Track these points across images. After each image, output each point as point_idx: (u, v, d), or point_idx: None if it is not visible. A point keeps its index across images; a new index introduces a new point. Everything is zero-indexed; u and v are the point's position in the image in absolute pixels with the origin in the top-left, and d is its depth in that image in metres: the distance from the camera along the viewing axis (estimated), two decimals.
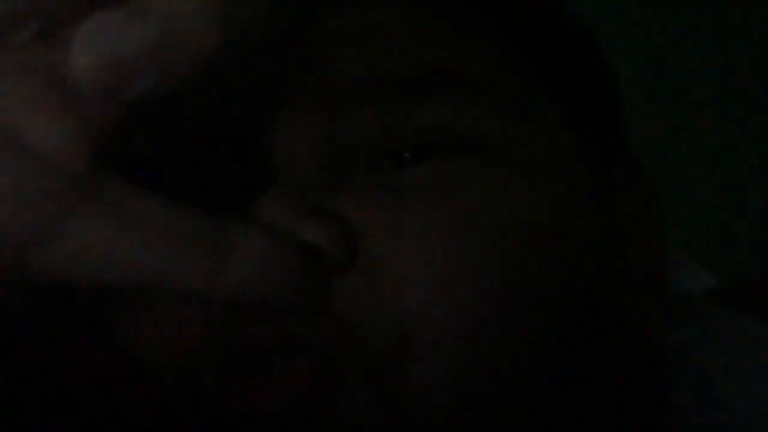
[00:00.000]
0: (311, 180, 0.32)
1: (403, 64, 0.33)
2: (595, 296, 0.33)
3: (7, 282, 0.24)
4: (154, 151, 0.32)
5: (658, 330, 0.36)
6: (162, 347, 0.31)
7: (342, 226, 0.30)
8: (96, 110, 0.24)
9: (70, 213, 0.23)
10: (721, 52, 1.00)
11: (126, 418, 0.31)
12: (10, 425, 0.30)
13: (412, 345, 0.30)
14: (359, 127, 0.32)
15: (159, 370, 0.31)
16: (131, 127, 0.25)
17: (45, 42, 0.27)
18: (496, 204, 0.32)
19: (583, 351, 0.32)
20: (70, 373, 0.32)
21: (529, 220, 0.32)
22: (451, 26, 0.34)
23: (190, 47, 0.22)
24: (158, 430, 0.31)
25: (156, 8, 0.22)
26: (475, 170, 0.32)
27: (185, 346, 0.31)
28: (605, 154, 0.36)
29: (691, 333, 0.42)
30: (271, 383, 0.30)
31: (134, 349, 0.32)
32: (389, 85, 0.32)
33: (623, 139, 0.39)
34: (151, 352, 0.32)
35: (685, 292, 0.48)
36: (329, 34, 0.33)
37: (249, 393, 0.30)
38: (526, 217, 0.32)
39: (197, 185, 0.31)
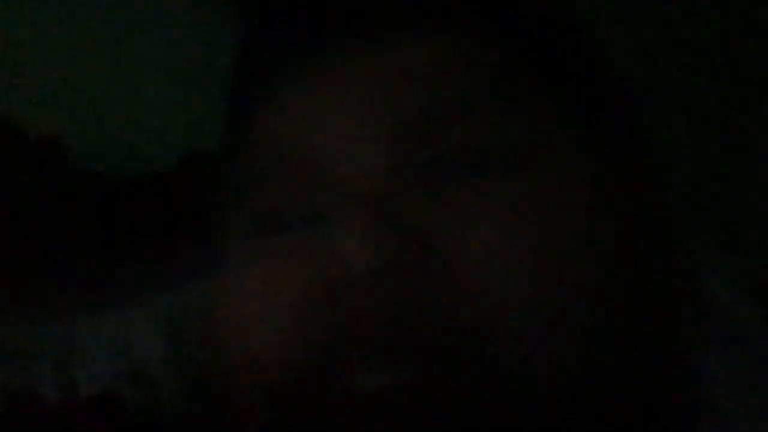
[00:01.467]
0: (379, 202, 0.36)
1: (443, 88, 0.37)
2: (634, 276, 0.37)
3: None
4: None
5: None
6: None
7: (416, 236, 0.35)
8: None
9: None
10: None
11: None
12: None
13: (499, 321, 0.34)
14: (412, 150, 0.37)
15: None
16: None
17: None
18: (547, 204, 0.36)
19: (636, 325, 0.37)
20: None
21: (574, 216, 0.36)
22: (487, 51, 0.38)
23: None
24: None
25: None
26: (519, 175, 0.36)
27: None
28: (618, 155, 0.40)
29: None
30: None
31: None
32: (435, 108, 0.37)
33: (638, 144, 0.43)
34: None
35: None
36: (377, 63, 0.38)
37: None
38: (572, 213, 0.36)
39: None
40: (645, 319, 0.37)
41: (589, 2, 0.44)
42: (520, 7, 0.41)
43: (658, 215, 0.40)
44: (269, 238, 0.38)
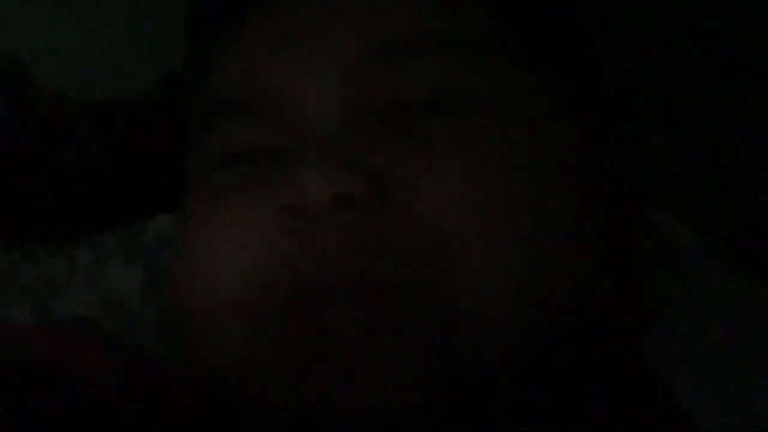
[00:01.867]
0: (336, 139, 0.36)
1: (409, 27, 0.37)
2: (591, 222, 0.38)
3: None
4: None
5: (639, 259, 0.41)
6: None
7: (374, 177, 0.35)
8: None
9: None
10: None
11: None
12: None
13: (459, 257, 0.34)
14: (372, 87, 0.37)
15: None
16: None
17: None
18: (506, 142, 0.36)
19: (588, 264, 0.37)
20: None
21: (532, 155, 0.37)
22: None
23: None
24: None
25: None
26: (481, 119, 0.36)
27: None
28: (586, 106, 0.41)
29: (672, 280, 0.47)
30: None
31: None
32: (398, 47, 0.37)
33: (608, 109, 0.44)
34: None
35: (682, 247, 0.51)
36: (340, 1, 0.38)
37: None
38: (529, 151, 0.37)
39: None
40: (599, 270, 0.38)
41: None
42: None
43: (616, 170, 0.41)
44: (229, 171, 0.38)
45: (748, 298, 0.44)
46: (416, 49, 0.37)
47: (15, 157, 0.62)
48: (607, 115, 0.42)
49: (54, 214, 0.60)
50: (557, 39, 0.41)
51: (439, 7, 0.38)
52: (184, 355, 0.38)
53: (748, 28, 0.90)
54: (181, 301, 0.38)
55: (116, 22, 0.82)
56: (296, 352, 0.34)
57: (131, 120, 0.66)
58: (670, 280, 0.45)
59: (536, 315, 0.35)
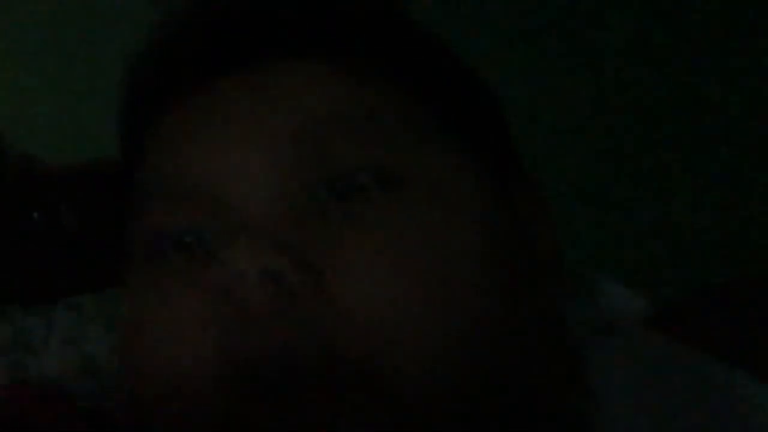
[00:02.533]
0: (262, 221, 0.37)
1: (327, 111, 0.38)
2: (513, 277, 0.40)
3: None
4: None
5: (554, 306, 0.43)
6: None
7: (303, 262, 0.36)
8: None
9: None
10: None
11: None
12: None
13: (389, 336, 0.35)
14: (294, 169, 0.38)
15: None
16: None
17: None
18: (428, 225, 0.38)
19: (510, 316, 0.38)
20: None
21: (454, 233, 0.38)
22: (369, 76, 0.40)
23: None
24: None
25: None
26: (408, 200, 0.38)
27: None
28: (501, 170, 0.42)
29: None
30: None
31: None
32: (319, 130, 0.38)
33: (516, 157, 0.45)
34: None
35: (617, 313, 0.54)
36: (257, 86, 0.39)
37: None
38: (451, 231, 0.38)
39: None
40: (524, 344, 0.39)
41: None
42: (405, 46, 0.42)
43: (541, 248, 0.43)
44: (162, 257, 0.39)
45: (679, 365, 0.46)
46: (334, 132, 0.38)
47: None
48: (530, 189, 0.44)
49: (27, 277, 0.62)
50: (469, 120, 0.42)
51: (354, 90, 0.39)
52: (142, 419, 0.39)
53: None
54: (129, 378, 0.39)
55: (88, 84, 0.84)
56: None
57: (101, 182, 0.68)
58: (599, 347, 0.47)
59: (469, 379, 0.36)
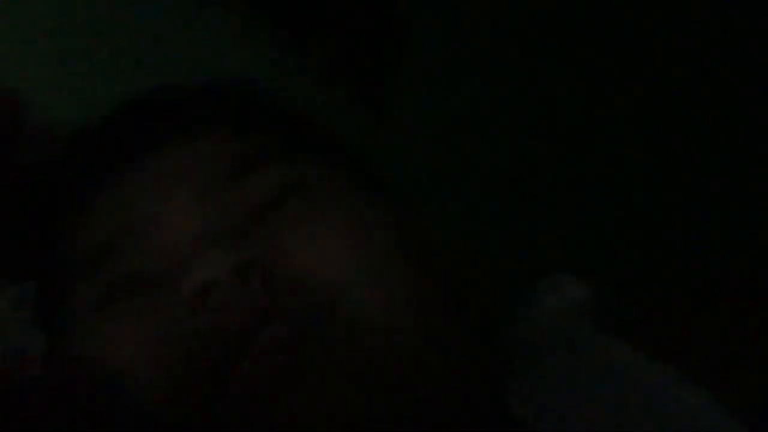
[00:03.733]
0: (209, 242, 0.45)
1: (242, 152, 0.50)
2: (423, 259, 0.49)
3: None
4: None
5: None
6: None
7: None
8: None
9: None
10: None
11: None
12: None
13: (340, 295, 0.44)
14: (224, 203, 0.47)
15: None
16: None
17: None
18: (339, 209, 0.48)
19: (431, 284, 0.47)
20: None
21: (368, 215, 0.49)
22: (260, 135, 0.52)
23: None
24: None
25: None
26: (316, 198, 0.48)
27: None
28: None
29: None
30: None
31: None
32: (240, 164, 0.49)
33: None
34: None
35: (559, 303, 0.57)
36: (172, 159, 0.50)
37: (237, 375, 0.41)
38: (366, 213, 0.49)
39: None
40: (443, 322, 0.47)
41: None
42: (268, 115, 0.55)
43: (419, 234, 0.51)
44: (116, 301, 0.46)
45: (621, 362, 0.50)
46: (248, 164, 0.49)
47: None
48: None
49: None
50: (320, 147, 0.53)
51: (250, 139, 0.51)
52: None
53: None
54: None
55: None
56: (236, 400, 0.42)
57: None
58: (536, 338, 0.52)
59: (411, 322, 0.44)
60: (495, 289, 0.53)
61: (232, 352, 0.42)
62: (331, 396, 0.41)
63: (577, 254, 0.96)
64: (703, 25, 1.03)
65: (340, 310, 0.43)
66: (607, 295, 0.57)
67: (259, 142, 0.51)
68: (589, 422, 0.48)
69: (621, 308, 0.59)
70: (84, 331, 0.47)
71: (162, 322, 0.44)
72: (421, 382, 0.44)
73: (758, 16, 1.02)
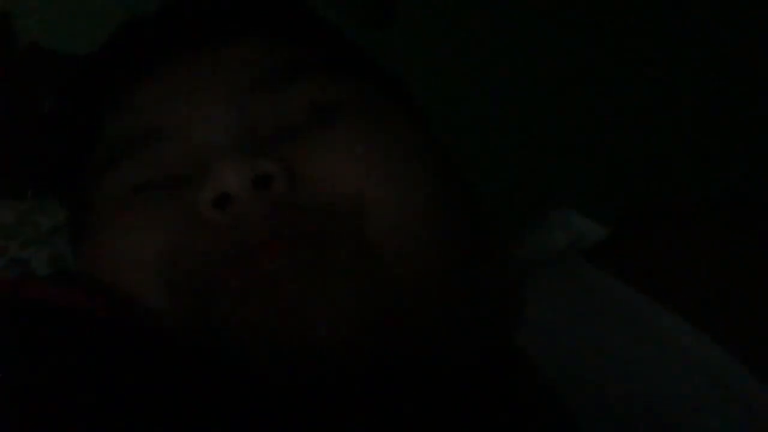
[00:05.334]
0: (239, 147, 0.45)
1: (280, 63, 0.49)
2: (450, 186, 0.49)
3: None
4: None
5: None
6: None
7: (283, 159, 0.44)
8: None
9: None
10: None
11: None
12: None
13: (367, 209, 0.44)
14: (257, 111, 0.47)
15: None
16: None
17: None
18: (373, 128, 0.47)
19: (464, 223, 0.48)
20: None
21: (392, 136, 0.48)
22: (299, 42, 0.51)
23: None
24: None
25: None
26: (351, 117, 0.47)
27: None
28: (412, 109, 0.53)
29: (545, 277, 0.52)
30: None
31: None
32: (273, 76, 0.48)
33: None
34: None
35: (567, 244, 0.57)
36: (211, 58, 0.49)
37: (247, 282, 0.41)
38: (389, 133, 0.48)
39: None
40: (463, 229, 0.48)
41: None
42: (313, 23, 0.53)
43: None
44: (141, 193, 0.46)
45: (620, 302, 0.49)
46: (277, 78, 0.48)
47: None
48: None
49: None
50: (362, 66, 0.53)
51: (297, 52, 0.50)
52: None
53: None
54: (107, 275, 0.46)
55: None
56: (242, 298, 0.42)
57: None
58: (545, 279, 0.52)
59: (433, 247, 0.45)
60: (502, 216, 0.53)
61: (245, 255, 0.42)
62: (350, 300, 0.41)
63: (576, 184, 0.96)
64: None
65: (359, 224, 0.43)
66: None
67: (297, 54, 0.50)
68: (578, 338, 0.48)
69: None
70: (104, 219, 0.47)
71: (178, 220, 0.44)
72: (434, 303, 0.44)
73: None
